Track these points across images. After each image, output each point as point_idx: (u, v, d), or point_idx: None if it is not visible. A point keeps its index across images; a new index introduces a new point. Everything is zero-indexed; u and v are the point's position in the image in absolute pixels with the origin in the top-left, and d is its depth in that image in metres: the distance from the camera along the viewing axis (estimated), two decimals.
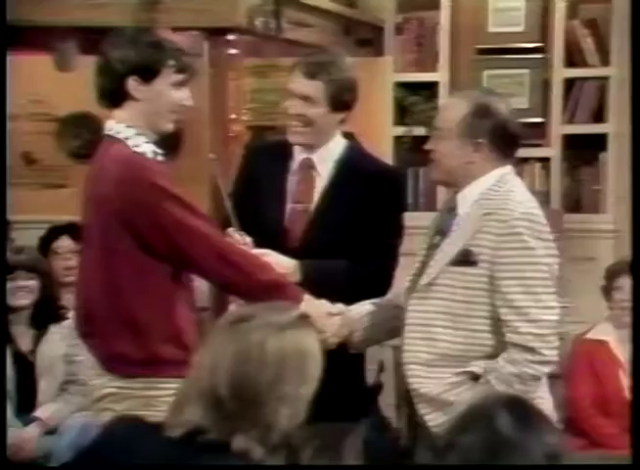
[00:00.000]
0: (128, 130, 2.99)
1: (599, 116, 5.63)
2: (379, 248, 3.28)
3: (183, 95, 3.03)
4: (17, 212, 4.96)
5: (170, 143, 5.50)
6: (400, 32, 5.88)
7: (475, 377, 2.90)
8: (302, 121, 3.28)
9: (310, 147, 3.34)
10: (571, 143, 5.64)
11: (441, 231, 3.00)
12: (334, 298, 3.13)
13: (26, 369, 4.24)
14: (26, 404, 4.20)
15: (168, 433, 1.95)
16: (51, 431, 4.17)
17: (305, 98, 3.26)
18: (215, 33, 4.95)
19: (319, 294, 3.09)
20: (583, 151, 5.65)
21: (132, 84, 2.96)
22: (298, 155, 3.36)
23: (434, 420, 2.92)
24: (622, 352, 4.47)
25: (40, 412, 4.18)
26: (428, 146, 3.03)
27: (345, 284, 3.22)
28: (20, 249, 4.48)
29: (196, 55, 5.34)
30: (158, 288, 2.97)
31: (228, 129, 5.54)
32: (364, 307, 3.16)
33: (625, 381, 4.37)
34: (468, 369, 2.89)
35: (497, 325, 2.87)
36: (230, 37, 5.09)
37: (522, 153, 5.63)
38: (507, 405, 1.75)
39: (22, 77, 5.49)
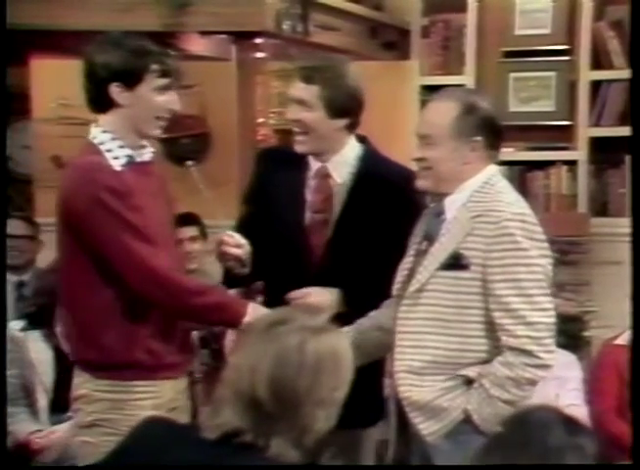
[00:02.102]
0: (104, 135, 2.97)
1: (625, 118, 5.60)
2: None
3: (169, 99, 2.99)
4: (47, 215, 4.99)
5: (200, 146, 5.58)
6: (426, 35, 5.88)
7: (468, 381, 2.82)
8: (300, 127, 3.18)
9: (318, 155, 3.24)
10: (598, 146, 5.61)
11: (429, 237, 2.91)
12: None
13: (66, 367, 4.22)
14: (63, 403, 4.19)
15: (205, 435, 1.96)
16: None
17: (301, 102, 3.16)
18: (243, 37, 4.97)
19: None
20: (610, 154, 5.61)
21: (115, 90, 2.93)
22: (314, 163, 3.26)
23: (428, 428, 2.83)
24: None
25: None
26: (415, 156, 2.93)
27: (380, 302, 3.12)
28: None
29: (224, 59, 5.40)
30: (113, 294, 2.92)
31: (256, 132, 5.59)
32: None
33: None
34: (461, 373, 2.81)
35: (490, 330, 2.79)
36: (257, 41, 5.12)
37: (548, 155, 5.73)
38: (551, 410, 1.75)
39: (52, 81, 5.53)
